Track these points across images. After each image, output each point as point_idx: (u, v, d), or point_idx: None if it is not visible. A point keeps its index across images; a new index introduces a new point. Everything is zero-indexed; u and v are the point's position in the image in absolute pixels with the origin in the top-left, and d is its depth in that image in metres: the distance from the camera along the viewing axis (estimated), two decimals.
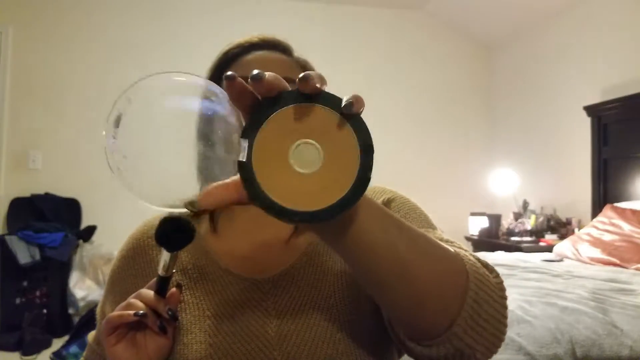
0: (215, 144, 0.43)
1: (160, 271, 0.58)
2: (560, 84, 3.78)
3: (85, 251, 3.42)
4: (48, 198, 3.55)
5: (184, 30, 3.97)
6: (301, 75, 0.39)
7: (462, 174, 4.44)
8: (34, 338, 2.95)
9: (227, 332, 0.63)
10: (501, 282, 0.53)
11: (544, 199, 3.84)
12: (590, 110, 3.30)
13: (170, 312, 0.58)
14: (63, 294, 3.28)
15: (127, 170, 0.44)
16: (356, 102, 0.40)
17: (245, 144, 0.40)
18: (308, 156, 0.40)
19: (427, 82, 4.50)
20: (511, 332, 1.46)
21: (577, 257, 2.73)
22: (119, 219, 3.64)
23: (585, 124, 3.36)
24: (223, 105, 0.44)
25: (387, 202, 0.71)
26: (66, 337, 3.04)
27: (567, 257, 2.81)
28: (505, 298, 0.52)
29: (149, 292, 0.59)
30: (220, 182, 0.43)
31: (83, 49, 3.76)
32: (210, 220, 0.75)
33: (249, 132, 0.40)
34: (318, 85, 0.40)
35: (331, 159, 0.40)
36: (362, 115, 0.42)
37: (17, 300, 3.18)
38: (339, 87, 0.65)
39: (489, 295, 0.50)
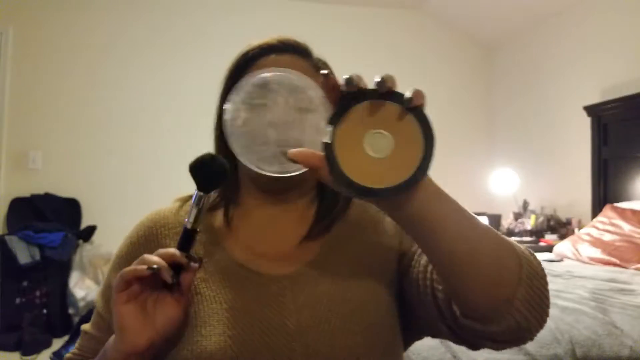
0: (308, 113, 0.60)
1: (188, 223, 0.60)
2: (560, 84, 3.79)
3: (85, 251, 3.42)
4: (48, 198, 3.55)
5: (185, 30, 3.97)
6: (377, 79, 0.49)
7: (462, 174, 4.44)
8: (34, 338, 2.95)
9: (245, 324, 0.64)
10: (538, 259, 0.59)
11: (544, 199, 3.85)
12: (590, 110, 3.31)
13: (189, 258, 0.59)
14: (63, 294, 3.28)
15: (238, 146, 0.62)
16: (415, 97, 0.50)
17: (330, 129, 0.50)
18: (380, 143, 0.50)
19: (427, 82, 4.46)
20: None
21: (577, 257, 2.74)
22: (119, 219, 3.63)
23: (585, 123, 3.36)
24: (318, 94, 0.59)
25: None
26: (66, 337, 3.04)
27: (567, 257, 2.81)
28: (545, 275, 0.58)
29: (167, 249, 0.60)
30: (311, 150, 0.52)
31: (83, 49, 3.76)
32: (224, 215, 0.75)
33: (333, 119, 0.50)
34: (389, 85, 0.50)
35: (399, 145, 0.50)
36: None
37: (17, 301, 3.18)
38: None
39: (536, 271, 0.56)
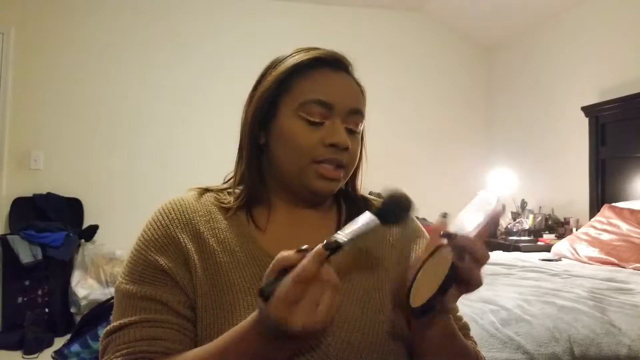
0: None
1: (340, 236, 0.57)
2: (559, 85, 3.80)
3: (87, 250, 3.43)
4: (50, 198, 3.55)
5: (185, 30, 3.98)
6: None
7: (460, 174, 4.46)
8: (36, 337, 2.96)
9: None
10: None
11: (542, 199, 3.87)
12: (588, 110, 3.32)
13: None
14: (65, 293, 3.29)
15: None
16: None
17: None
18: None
19: (426, 82, 4.52)
20: (510, 331, 1.48)
21: (575, 256, 2.75)
22: (120, 218, 3.66)
23: (583, 124, 3.38)
24: None
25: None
26: (68, 336, 3.05)
27: (565, 257, 2.82)
28: None
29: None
30: None
31: (84, 49, 3.77)
32: (249, 215, 0.76)
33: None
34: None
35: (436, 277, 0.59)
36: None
37: (19, 300, 3.19)
38: None
39: None
